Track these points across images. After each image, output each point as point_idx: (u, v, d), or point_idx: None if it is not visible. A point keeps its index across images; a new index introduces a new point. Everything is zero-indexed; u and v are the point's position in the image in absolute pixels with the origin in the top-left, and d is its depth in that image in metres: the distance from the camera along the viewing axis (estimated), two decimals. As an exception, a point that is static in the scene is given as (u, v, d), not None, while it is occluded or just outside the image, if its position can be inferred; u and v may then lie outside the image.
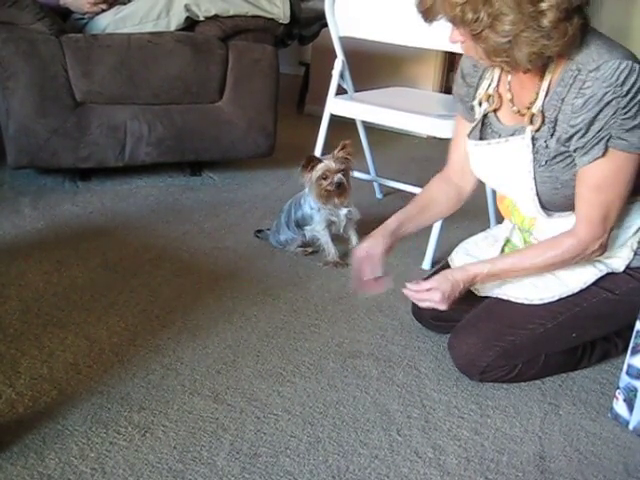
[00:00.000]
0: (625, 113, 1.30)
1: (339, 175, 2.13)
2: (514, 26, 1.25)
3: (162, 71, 2.64)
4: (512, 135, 1.48)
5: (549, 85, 1.40)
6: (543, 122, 1.41)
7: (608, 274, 1.51)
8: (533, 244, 1.52)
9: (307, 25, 3.50)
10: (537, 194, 1.46)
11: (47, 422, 1.37)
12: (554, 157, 1.41)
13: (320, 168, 2.13)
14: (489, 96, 1.54)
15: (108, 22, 2.67)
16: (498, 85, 1.53)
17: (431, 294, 1.53)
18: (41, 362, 1.56)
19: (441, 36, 2.11)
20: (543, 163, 1.43)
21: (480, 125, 1.56)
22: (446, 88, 4.04)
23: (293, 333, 1.77)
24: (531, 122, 1.43)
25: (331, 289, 2.02)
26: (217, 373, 1.58)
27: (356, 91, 2.52)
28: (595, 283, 1.51)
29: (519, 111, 1.48)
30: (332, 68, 2.42)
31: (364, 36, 2.34)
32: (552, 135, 1.40)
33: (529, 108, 1.44)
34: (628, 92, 1.29)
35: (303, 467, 1.31)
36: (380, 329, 1.82)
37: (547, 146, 1.41)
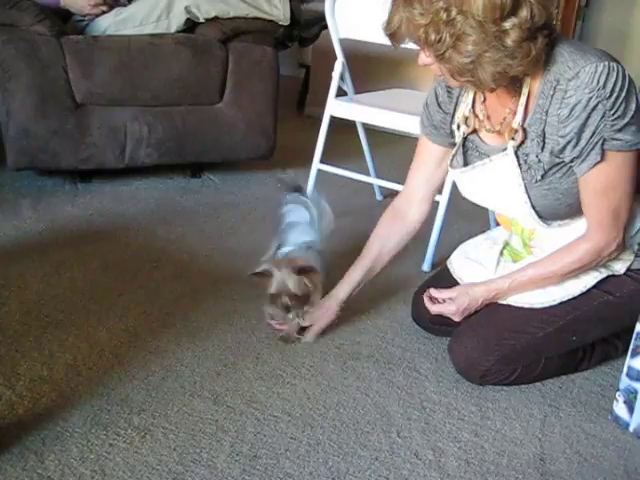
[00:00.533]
0: (613, 114, 1.30)
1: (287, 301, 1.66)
2: (477, 46, 1.26)
3: (162, 73, 2.64)
4: (494, 153, 1.48)
5: (527, 99, 1.40)
6: (526, 137, 1.41)
7: (608, 276, 1.51)
8: (549, 254, 1.51)
9: (307, 27, 3.51)
10: (533, 207, 1.46)
11: (47, 424, 1.37)
12: (549, 169, 1.41)
13: (274, 284, 1.67)
14: (466, 118, 1.54)
15: (108, 24, 2.68)
16: (473, 106, 1.53)
17: (446, 305, 1.57)
18: (41, 364, 1.56)
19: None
20: (539, 178, 1.42)
21: (461, 150, 1.56)
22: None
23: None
24: (513, 138, 1.42)
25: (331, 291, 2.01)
26: (217, 375, 1.58)
27: (356, 93, 2.52)
28: (595, 286, 1.51)
29: (493, 128, 1.48)
30: (332, 70, 2.42)
31: (364, 38, 2.34)
32: (543, 149, 1.40)
33: (502, 124, 1.44)
34: (611, 93, 1.29)
35: (303, 469, 1.30)
36: (380, 331, 1.82)
37: (540, 160, 1.41)
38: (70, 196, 2.63)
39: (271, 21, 2.79)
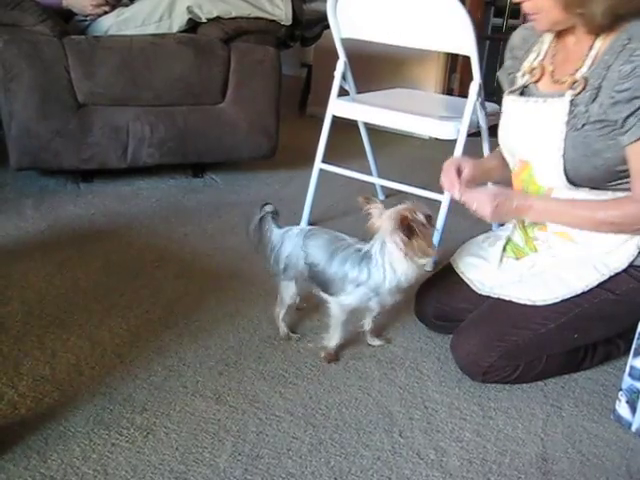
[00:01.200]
0: None
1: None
2: None
3: (164, 73, 2.64)
4: (550, 97, 1.51)
5: (597, 54, 1.44)
6: (584, 88, 1.44)
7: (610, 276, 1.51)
8: (596, 201, 1.49)
9: (309, 27, 3.51)
10: (563, 156, 1.47)
11: (49, 423, 1.37)
12: (593, 122, 1.43)
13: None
14: (532, 69, 1.58)
15: (110, 24, 2.68)
16: (544, 58, 1.58)
17: (479, 194, 1.55)
18: (43, 363, 1.57)
19: (443, 38, 2.12)
20: (579, 127, 1.44)
21: (519, 93, 1.61)
22: (448, 90, 4.05)
23: (294, 335, 1.76)
24: (571, 88, 1.46)
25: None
26: (219, 375, 1.58)
27: (358, 92, 2.52)
28: (597, 284, 1.51)
29: (558, 80, 1.51)
30: (334, 69, 2.42)
31: (366, 37, 2.34)
32: (594, 100, 1.42)
33: (572, 75, 1.47)
34: None
35: (305, 469, 1.31)
36: (382, 330, 1.82)
37: (587, 111, 1.43)
38: (72, 196, 2.64)
39: (273, 21, 2.79)
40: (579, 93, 1.44)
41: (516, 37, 1.69)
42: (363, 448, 1.37)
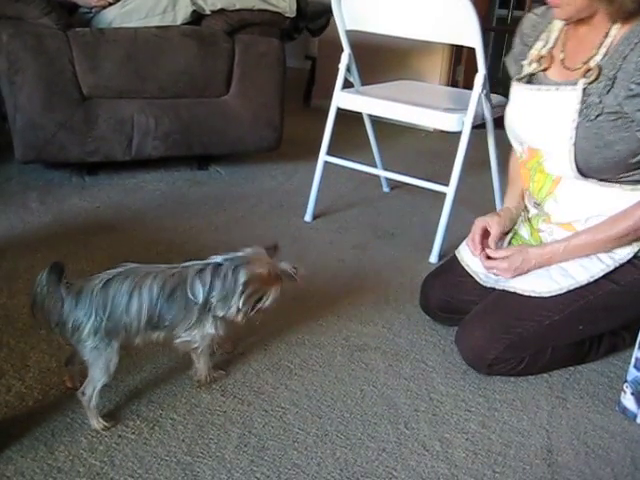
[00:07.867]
0: None
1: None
2: None
3: (169, 65, 2.64)
4: (562, 85, 1.50)
5: (612, 42, 1.43)
6: (597, 77, 1.43)
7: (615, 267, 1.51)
8: (604, 219, 1.50)
9: (314, 18, 3.49)
10: (574, 144, 1.46)
11: (56, 415, 1.38)
12: (607, 114, 1.42)
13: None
14: (540, 57, 1.58)
15: (114, 16, 2.68)
16: (553, 47, 1.57)
17: (499, 262, 1.59)
18: (50, 355, 1.57)
19: (448, 30, 2.12)
20: (592, 118, 1.43)
21: (526, 81, 1.60)
22: (453, 81, 4.03)
23: (300, 327, 1.77)
24: (584, 76, 1.45)
25: (338, 283, 2.02)
26: (225, 366, 1.58)
27: (363, 85, 2.51)
28: (602, 275, 1.51)
29: (570, 68, 1.51)
30: (338, 62, 2.41)
31: (371, 29, 2.33)
32: (609, 92, 1.41)
33: (585, 63, 1.46)
34: None
35: (311, 460, 1.31)
36: (387, 322, 1.82)
37: (601, 102, 1.42)
38: (77, 189, 2.64)
39: (277, 13, 2.78)
40: (592, 82, 1.43)
41: (526, 23, 1.67)
42: (368, 440, 1.38)
